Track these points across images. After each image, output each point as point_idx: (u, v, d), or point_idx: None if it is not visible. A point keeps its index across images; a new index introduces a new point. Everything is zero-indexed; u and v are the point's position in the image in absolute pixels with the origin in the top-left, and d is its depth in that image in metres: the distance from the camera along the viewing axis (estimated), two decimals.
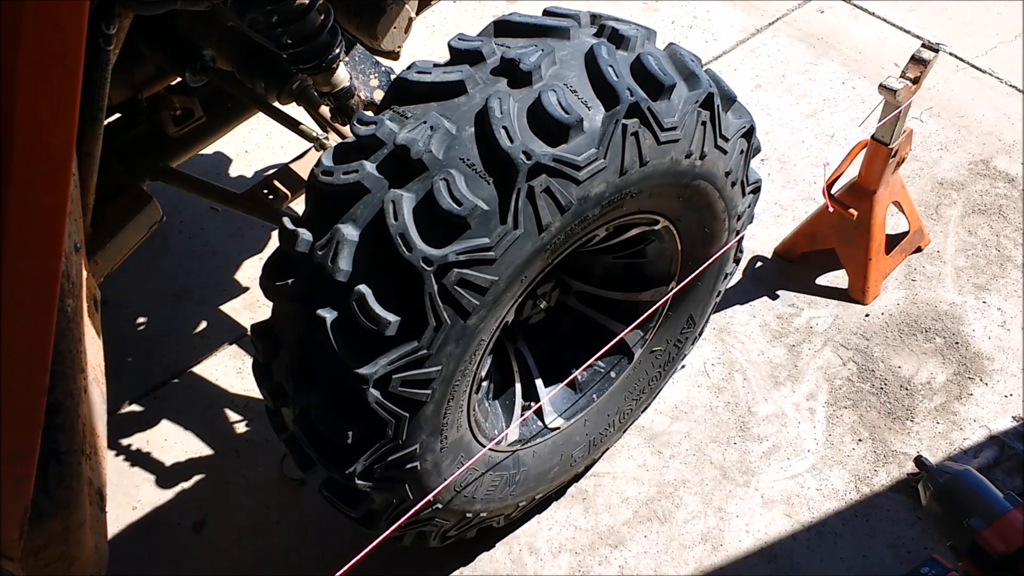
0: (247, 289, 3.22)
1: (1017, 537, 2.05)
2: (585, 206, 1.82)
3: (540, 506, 2.67)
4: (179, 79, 2.52)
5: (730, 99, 2.10)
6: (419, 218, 1.71)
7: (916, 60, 2.83)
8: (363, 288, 1.71)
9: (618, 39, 1.95)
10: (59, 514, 1.66)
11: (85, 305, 1.81)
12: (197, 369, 3.00)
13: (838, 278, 3.25)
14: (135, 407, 2.90)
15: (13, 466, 1.42)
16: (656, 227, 2.21)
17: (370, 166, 1.78)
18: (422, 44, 4.10)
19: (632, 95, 1.82)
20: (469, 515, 2.26)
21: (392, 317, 1.71)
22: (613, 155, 1.81)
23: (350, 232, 1.76)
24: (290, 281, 1.83)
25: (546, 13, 2.07)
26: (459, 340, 1.80)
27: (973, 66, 4.01)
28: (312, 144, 2.51)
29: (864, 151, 3.03)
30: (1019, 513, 2.07)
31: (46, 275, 1.29)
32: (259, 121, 3.11)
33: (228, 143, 3.62)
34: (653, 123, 1.86)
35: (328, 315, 1.75)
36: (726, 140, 2.07)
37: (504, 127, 1.73)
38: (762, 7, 4.32)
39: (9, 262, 1.20)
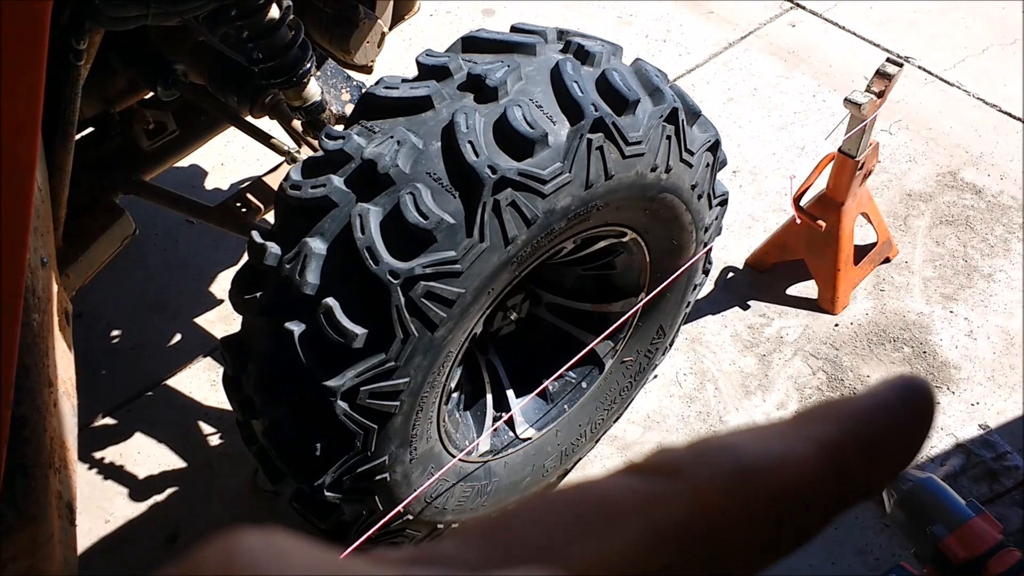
0: (221, 301, 3.22)
1: (978, 543, 2.08)
2: (551, 219, 1.85)
3: None
4: (152, 93, 2.53)
5: (695, 113, 2.13)
6: (386, 232, 1.74)
7: (881, 74, 2.88)
8: (331, 301, 1.73)
9: (584, 55, 1.98)
10: (27, 527, 1.66)
11: (55, 319, 1.81)
12: (171, 382, 3.00)
13: (808, 288, 3.29)
14: (108, 420, 2.90)
15: None
16: (624, 239, 2.24)
17: (338, 180, 1.80)
18: (398, 58, 4.11)
19: (597, 110, 1.85)
20: (441, 526, 2.28)
21: (359, 330, 1.73)
22: (578, 169, 1.84)
23: (318, 246, 1.77)
24: (258, 294, 1.85)
25: (513, 29, 2.10)
26: (427, 352, 1.82)
27: (941, 79, 4.08)
28: (284, 158, 2.53)
29: (832, 163, 3.07)
30: (980, 520, 2.10)
31: (9, 291, 1.30)
32: (235, 134, 3.12)
33: (204, 155, 3.62)
34: (618, 137, 1.88)
35: (296, 328, 1.77)
36: (691, 154, 2.10)
37: (470, 141, 1.75)
38: (735, 21, 4.38)
39: None
